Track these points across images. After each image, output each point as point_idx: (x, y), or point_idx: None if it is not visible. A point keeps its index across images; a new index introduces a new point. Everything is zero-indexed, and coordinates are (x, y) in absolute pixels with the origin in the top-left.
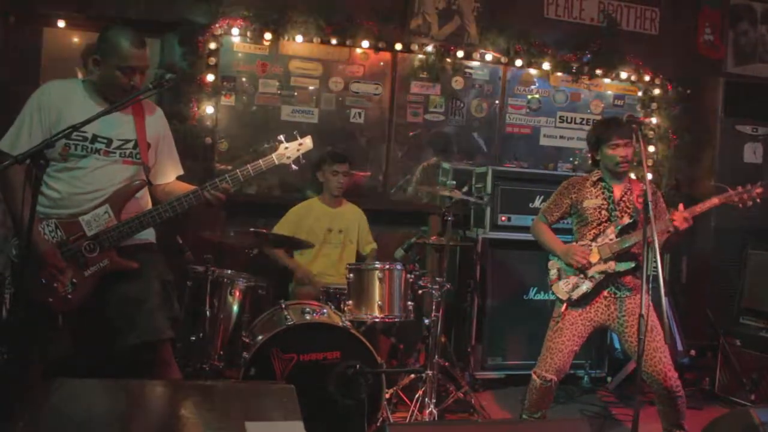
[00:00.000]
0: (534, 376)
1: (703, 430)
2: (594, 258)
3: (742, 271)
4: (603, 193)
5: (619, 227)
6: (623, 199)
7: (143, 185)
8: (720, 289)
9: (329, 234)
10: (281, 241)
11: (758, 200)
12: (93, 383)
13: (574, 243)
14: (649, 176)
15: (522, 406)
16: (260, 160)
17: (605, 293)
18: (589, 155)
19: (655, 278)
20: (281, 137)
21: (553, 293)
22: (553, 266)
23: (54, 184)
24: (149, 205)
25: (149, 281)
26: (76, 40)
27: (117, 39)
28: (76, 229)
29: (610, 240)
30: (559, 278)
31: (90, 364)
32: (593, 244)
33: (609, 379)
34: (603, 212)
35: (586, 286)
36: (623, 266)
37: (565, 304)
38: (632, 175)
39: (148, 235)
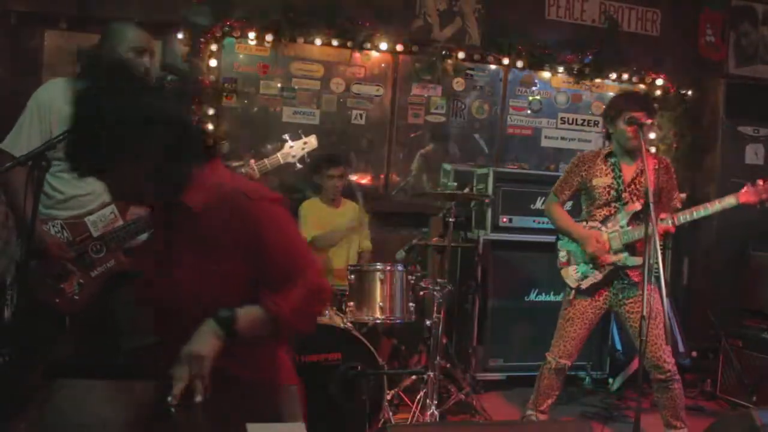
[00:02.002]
0: (549, 357)
1: (704, 431)
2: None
3: (744, 273)
4: (613, 170)
5: (630, 213)
6: (634, 181)
7: None
8: (721, 290)
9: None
10: None
11: None
12: (94, 384)
13: (583, 224)
14: (653, 149)
15: (534, 400)
16: (265, 160)
17: (614, 282)
18: (603, 130)
19: (657, 278)
20: (286, 136)
21: (562, 277)
22: (563, 248)
23: (57, 184)
24: None
25: None
26: (77, 41)
27: (122, 27)
28: (82, 230)
29: (620, 228)
30: (569, 263)
31: (94, 364)
32: (603, 229)
33: (611, 380)
34: (612, 192)
35: (595, 276)
36: (631, 261)
37: (573, 292)
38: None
39: None
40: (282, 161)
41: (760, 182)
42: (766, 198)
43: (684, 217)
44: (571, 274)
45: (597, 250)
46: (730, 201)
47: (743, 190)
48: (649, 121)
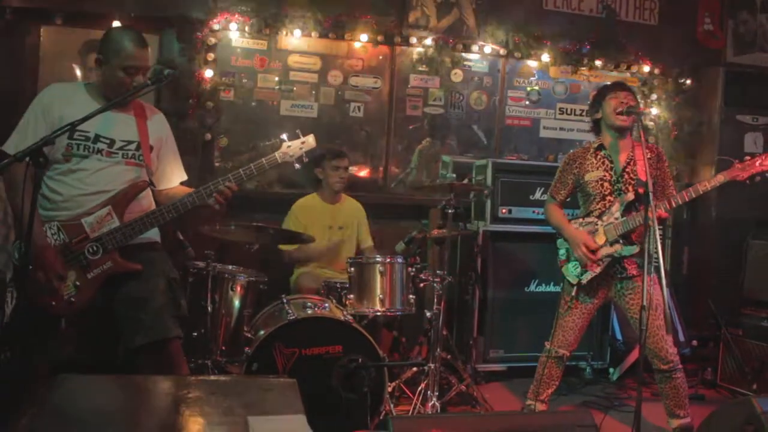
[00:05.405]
0: (549, 346)
1: (705, 419)
2: (600, 240)
3: (744, 261)
4: (604, 163)
5: (624, 204)
6: (627, 170)
7: (145, 186)
8: (721, 279)
9: (330, 231)
10: (283, 236)
11: (767, 174)
12: (96, 379)
13: (579, 223)
14: (651, 140)
15: (534, 390)
16: (263, 159)
17: (612, 272)
18: (591, 121)
19: (657, 269)
20: (284, 136)
21: (562, 275)
22: (562, 245)
23: (55, 186)
24: (152, 207)
25: (154, 280)
26: (74, 37)
27: (119, 39)
28: (79, 231)
29: (616, 219)
30: (568, 260)
31: (96, 365)
32: (600, 222)
33: (611, 370)
34: (605, 185)
35: (594, 271)
36: (628, 251)
37: (575, 289)
38: (634, 135)
39: (152, 234)
40: (279, 161)
41: (748, 158)
42: (756, 172)
43: (676, 200)
44: (571, 271)
45: (582, 256)
46: (719, 179)
47: (732, 167)
48: (647, 111)
